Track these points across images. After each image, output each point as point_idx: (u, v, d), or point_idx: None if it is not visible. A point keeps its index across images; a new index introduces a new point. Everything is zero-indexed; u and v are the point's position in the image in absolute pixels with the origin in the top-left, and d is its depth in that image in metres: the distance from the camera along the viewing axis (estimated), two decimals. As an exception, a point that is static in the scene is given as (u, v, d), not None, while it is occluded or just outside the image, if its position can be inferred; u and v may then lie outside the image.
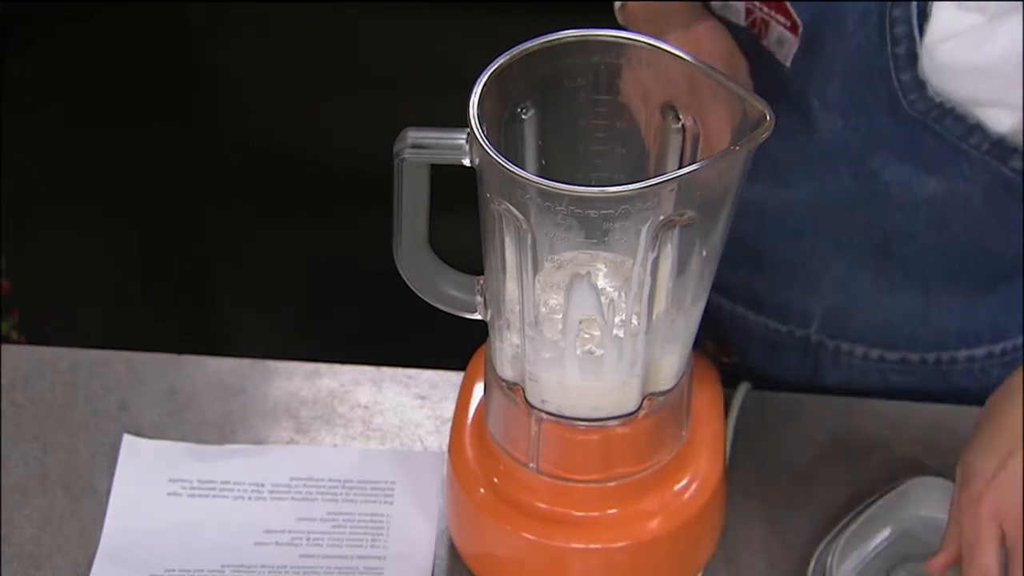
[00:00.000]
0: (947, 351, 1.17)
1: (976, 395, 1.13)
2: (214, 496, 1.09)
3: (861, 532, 1.02)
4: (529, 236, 0.86)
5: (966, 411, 1.14)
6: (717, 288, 1.06)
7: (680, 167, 0.90)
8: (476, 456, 0.99)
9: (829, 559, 1.00)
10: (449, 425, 1.03)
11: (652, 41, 0.89)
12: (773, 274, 1.17)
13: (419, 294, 0.95)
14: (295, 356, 1.25)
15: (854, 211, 1.10)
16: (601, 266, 0.91)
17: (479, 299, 0.94)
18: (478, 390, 1.02)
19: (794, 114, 1.06)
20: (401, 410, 1.16)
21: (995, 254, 1.11)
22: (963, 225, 1.08)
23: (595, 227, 0.87)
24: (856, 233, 1.11)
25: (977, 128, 1.03)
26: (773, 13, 1.04)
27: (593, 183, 0.92)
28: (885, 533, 1.03)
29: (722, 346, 1.22)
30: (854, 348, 1.19)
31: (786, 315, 1.19)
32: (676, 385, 0.95)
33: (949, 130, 1.03)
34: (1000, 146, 1.03)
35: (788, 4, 1.03)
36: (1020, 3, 0.95)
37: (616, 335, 0.90)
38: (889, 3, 0.98)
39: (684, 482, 0.98)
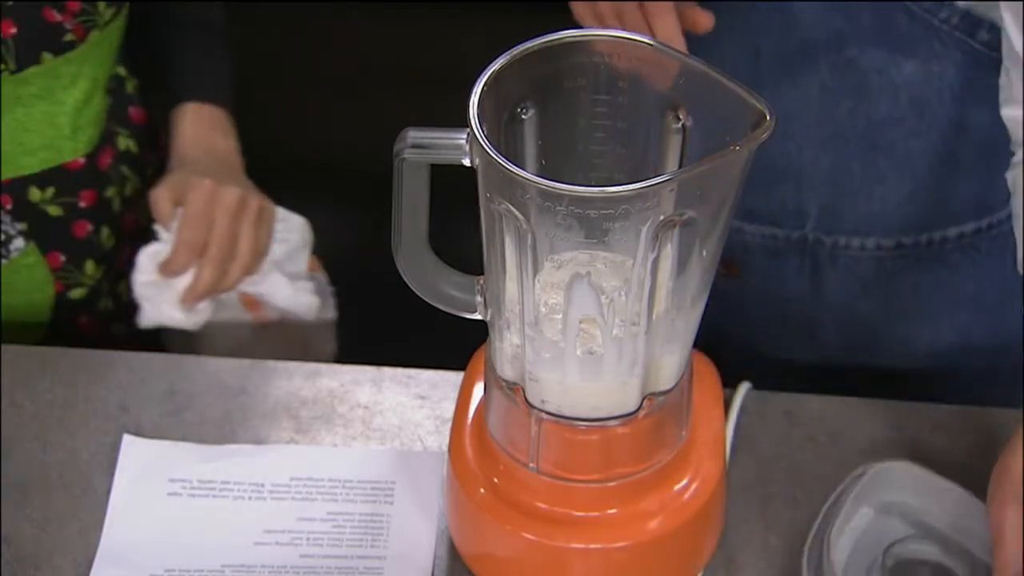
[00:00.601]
0: (938, 231, 1.21)
1: (966, 270, 1.22)
2: (214, 496, 1.09)
3: (843, 524, 1.02)
4: (529, 236, 0.86)
5: (966, 411, 1.14)
6: None
7: (680, 167, 0.90)
8: (476, 456, 0.99)
9: (822, 552, 1.00)
10: (449, 425, 1.03)
11: (652, 41, 0.89)
12: (764, 179, 1.19)
13: (419, 294, 0.95)
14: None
15: (836, 103, 1.13)
16: (601, 266, 0.91)
17: (479, 299, 0.94)
18: (478, 390, 1.02)
19: (771, 7, 1.08)
20: (401, 410, 1.16)
21: (975, 130, 1.14)
22: (942, 106, 1.12)
23: (595, 227, 0.87)
24: (841, 126, 1.14)
25: (946, 2, 1.06)
26: None
27: (593, 183, 0.92)
28: (864, 521, 1.04)
29: (725, 260, 1.23)
30: (850, 241, 1.21)
31: (781, 219, 1.21)
32: (676, 385, 0.95)
33: (920, 5, 1.06)
34: (967, 19, 1.06)
35: None
36: None
37: (616, 335, 0.90)
38: None
39: (684, 482, 0.98)
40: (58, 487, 1.09)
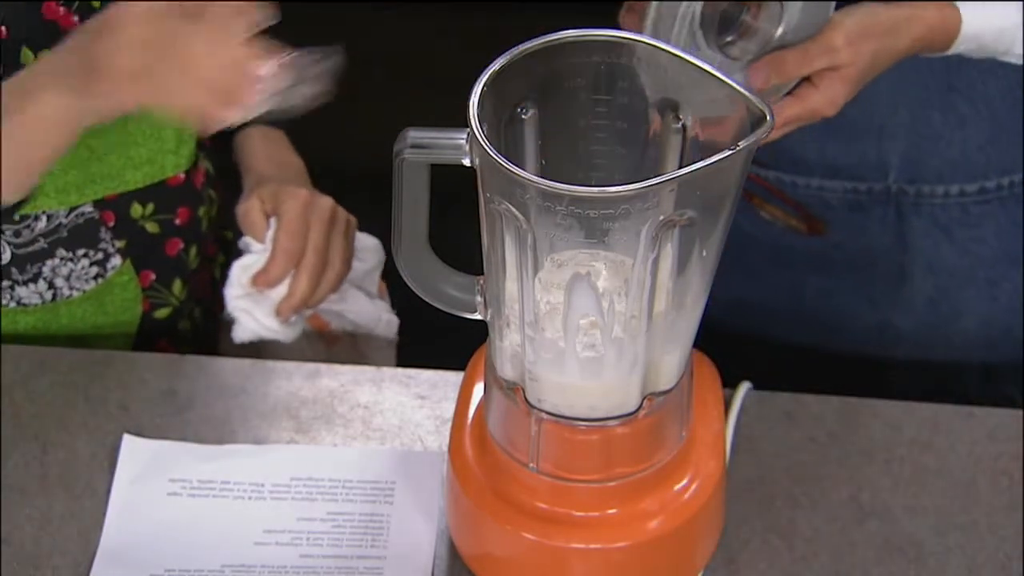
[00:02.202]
0: (1018, 172, 1.23)
1: None
2: (214, 496, 1.09)
3: None
4: (529, 236, 0.86)
5: (966, 411, 1.14)
6: (789, 167, 1.16)
7: (680, 167, 0.90)
8: (476, 456, 0.99)
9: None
10: (449, 425, 1.03)
11: (652, 41, 0.89)
12: (844, 133, 1.19)
13: (419, 294, 0.95)
14: (295, 356, 1.25)
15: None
16: (601, 266, 0.91)
17: (479, 299, 0.94)
18: (478, 390, 1.02)
19: None
20: (401, 410, 1.16)
21: None
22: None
23: (595, 227, 0.87)
24: (918, 72, 1.14)
25: None
26: None
27: (593, 183, 0.92)
28: None
29: (808, 218, 1.23)
30: (934, 189, 1.23)
31: (863, 172, 1.22)
32: (676, 385, 0.95)
33: None
34: None
35: None
36: None
37: (616, 335, 0.90)
38: None
39: (684, 482, 0.98)
40: (58, 487, 1.09)
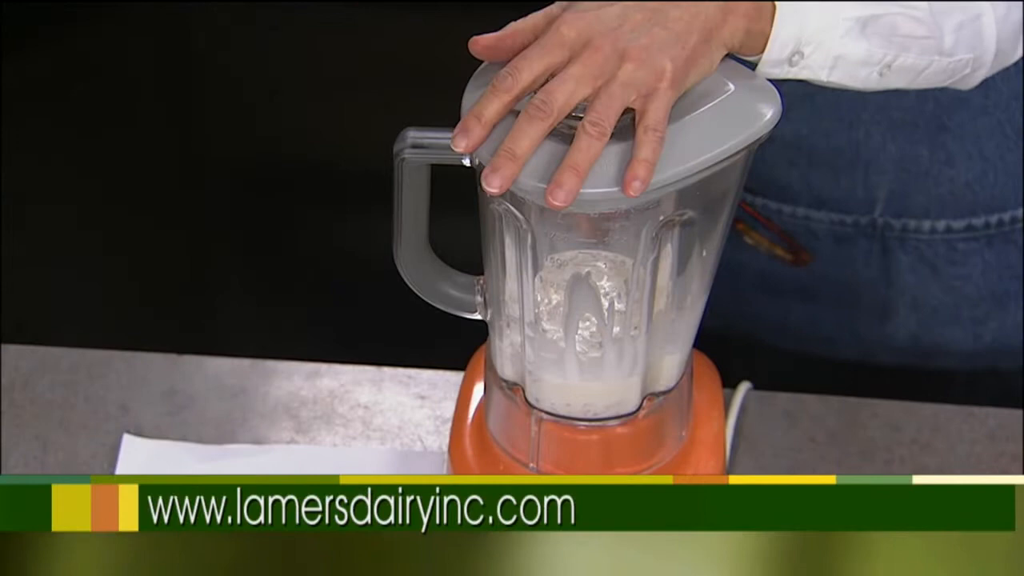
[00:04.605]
0: (1008, 210, 1.20)
1: None
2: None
3: None
4: (529, 236, 0.86)
5: (966, 411, 1.14)
6: (776, 194, 1.15)
7: (680, 167, 0.90)
8: (476, 456, 0.99)
9: None
10: (449, 425, 1.03)
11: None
12: (831, 166, 1.18)
13: (419, 294, 0.95)
14: (295, 356, 1.25)
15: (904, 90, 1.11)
16: (601, 266, 0.91)
17: (479, 299, 0.94)
18: (478, 390, 1.02)
19: None
20: (401, 410, 1.16)
21: None
22: (1006, 81, 1.11)
23: (595, 227, 0.87)
24: (909, 110, 1.13)
25: None
26: None
27: (593, 183, 0.92)
28: None
29: (794, 248, 1.23)
30: (920, 224, 1.21)
31: (849, 205, 1.21)
32: (676, 385, 0.95)
33: None
34: None
35: None
36: None
37: (616, 335, 0.90)
38: None
39: (684, 482, 0.98)
40: (58, 487, 1.09)
